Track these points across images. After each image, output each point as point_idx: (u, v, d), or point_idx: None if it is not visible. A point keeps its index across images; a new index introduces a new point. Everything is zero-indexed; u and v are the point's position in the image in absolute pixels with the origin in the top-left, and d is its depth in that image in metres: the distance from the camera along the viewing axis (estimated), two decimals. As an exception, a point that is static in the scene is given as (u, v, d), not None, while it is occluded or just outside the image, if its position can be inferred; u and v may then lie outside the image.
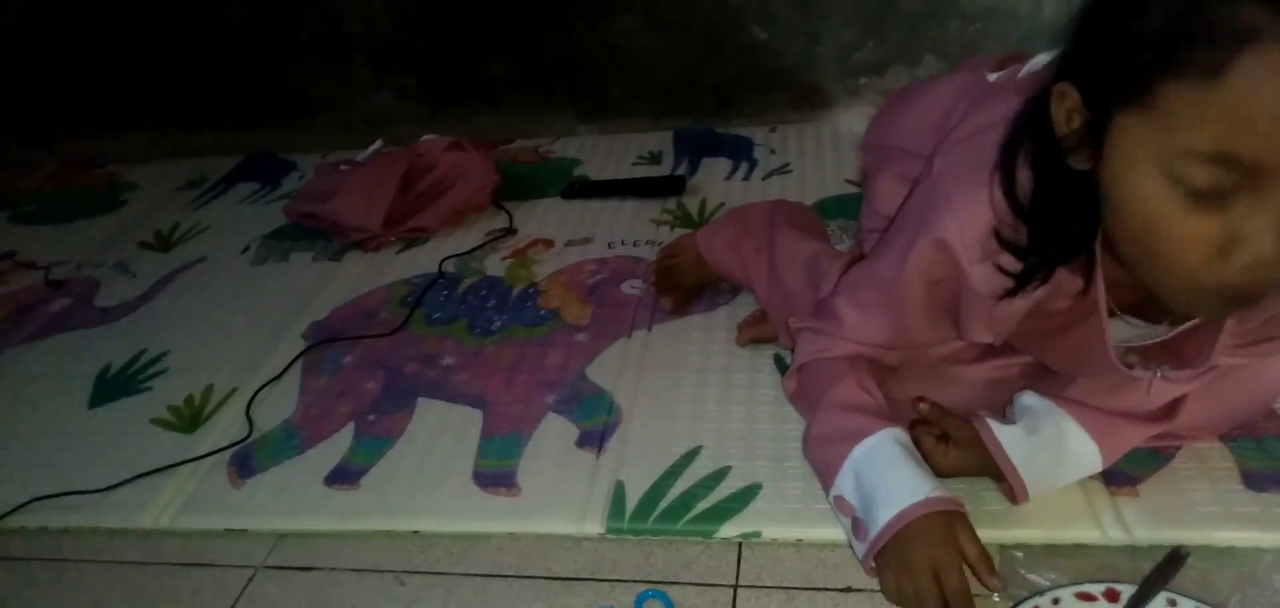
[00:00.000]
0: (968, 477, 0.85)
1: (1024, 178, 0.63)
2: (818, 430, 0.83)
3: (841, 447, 0.78)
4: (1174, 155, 0.50)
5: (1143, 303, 0.69)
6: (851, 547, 0.78)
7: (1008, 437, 0.81)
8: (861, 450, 0.77)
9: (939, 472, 0.83)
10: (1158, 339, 0.72)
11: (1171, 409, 0.80)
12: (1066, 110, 0.57)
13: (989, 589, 0.72)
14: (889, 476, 0.74)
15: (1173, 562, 0.76)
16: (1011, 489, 0.81)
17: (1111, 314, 0.68)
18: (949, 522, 0.72)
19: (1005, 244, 0.65)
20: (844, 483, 0.77)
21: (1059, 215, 0.62)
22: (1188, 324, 0.70)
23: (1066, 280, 0.66)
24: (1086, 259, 0.64)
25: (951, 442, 0.84)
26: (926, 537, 0.71)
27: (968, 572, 0.71)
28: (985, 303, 0.69)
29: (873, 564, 0.75)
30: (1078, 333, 0.71)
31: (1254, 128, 0.47)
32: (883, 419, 0.78)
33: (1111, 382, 0.77)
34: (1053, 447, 0.80)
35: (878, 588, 0.76)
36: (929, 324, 0.79)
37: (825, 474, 0.81)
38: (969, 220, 0.66)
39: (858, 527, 0.75)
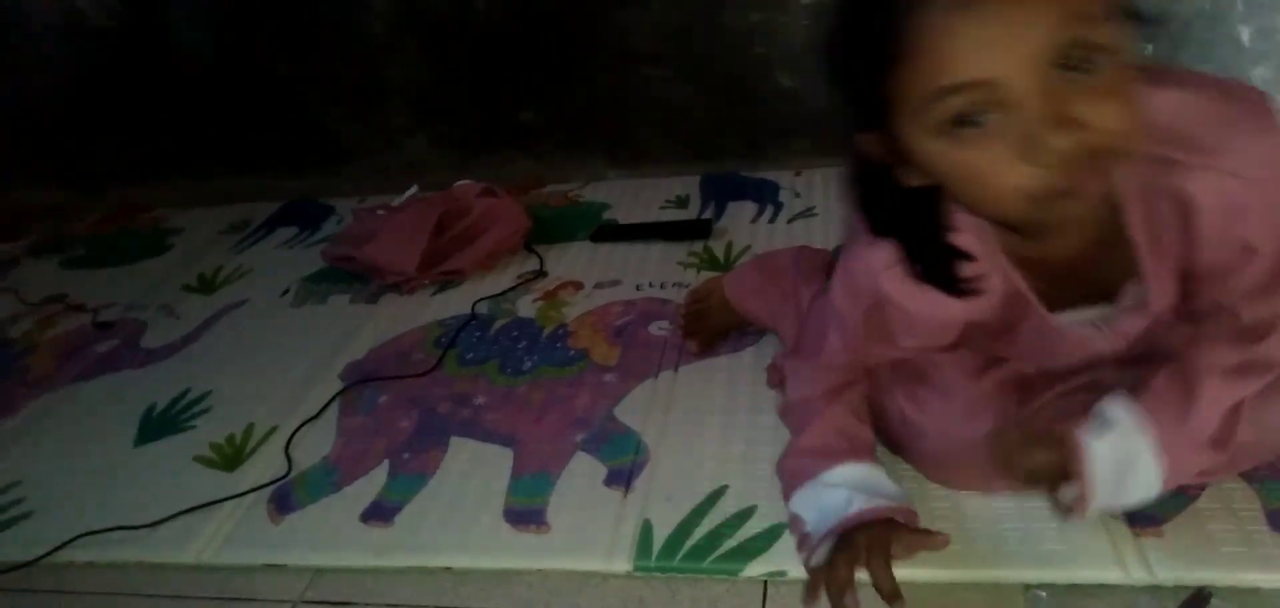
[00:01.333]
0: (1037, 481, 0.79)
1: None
2: (790, 462, 0.91)
3: (801, 479, 0.88)
4: (927, 115, 0.59)
5: (1069, 289, 0.76)
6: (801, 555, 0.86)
7: (1098, 454, 0.75)
8: (814, 484, 0.86)
9: (1015, 476, 0.80)
10: (1104, 320, 0.78)
11: (1230, 430, 0.76)
12: (876, 149, 0.66)
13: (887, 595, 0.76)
14: (826, 499, 0.84)
15: (1197, 603, 0.76)
16: (1080, 500, 0.75)
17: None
18: (876, 526, 0.80)
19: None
20: (798, 503, 0.87)
21: (908, 225, 0.72)
22: (1121, 305, 0.75)
23: (988, 285, 0.75)
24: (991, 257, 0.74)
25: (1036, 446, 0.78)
26: (855, 536, 0.79)
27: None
28: (904, 311, 0.79)
29: (809, 562, 0.83)
30: (1027, 328, 0.79)
31: (941, 57, 0.57)
32: (836, 460, 0.86)
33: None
34: (1122, 468, 0.75)
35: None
36: (876, 342, 0.87)
37: (786, 490, 0.90)
38: (879, 246, 0.76)
39: (804, 539, 0.84)
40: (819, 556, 0.81)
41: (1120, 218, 0.70)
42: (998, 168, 0.59)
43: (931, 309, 0.78)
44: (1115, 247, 0.72)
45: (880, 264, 0.76)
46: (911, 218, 0.71)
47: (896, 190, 0.68)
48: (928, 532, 0.79)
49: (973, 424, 0.87)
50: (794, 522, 0.87)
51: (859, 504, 0.81)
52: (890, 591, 0.75)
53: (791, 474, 0.90)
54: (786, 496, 0.90)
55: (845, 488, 0.84)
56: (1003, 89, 0.56)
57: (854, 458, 0.87)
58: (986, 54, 0.56)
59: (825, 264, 1.13)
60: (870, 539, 0.78)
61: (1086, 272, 0.75)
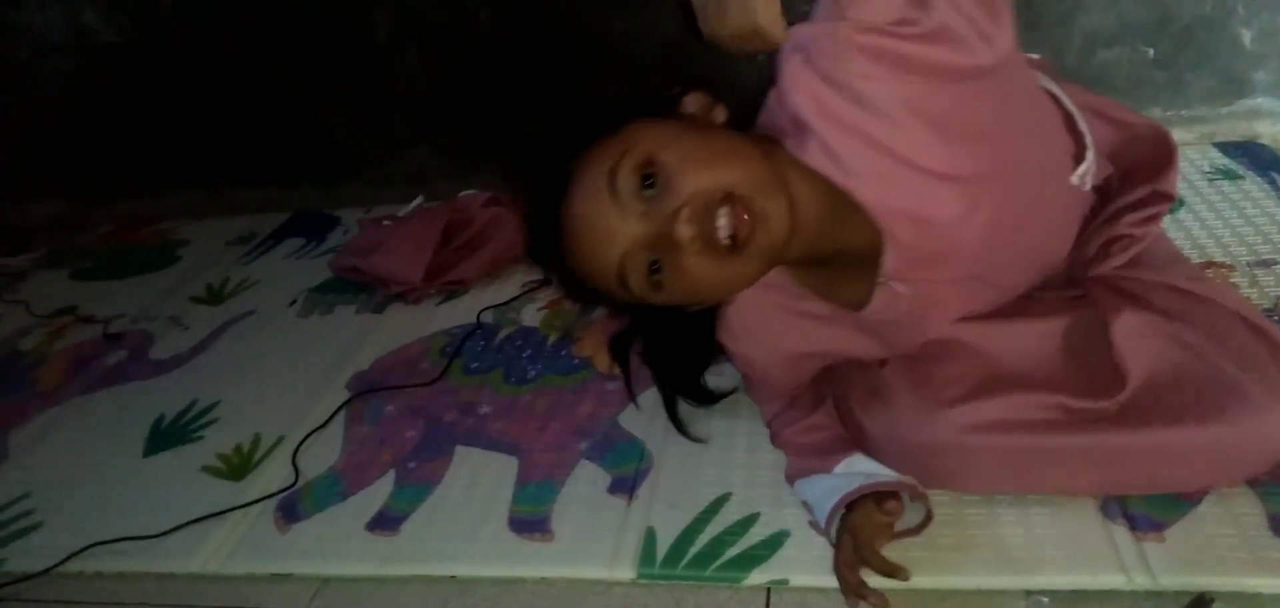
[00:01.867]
0: None
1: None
2: (792, 469, 0.98)
3: (806, 474, 0.95)
4: (633, 291, 0.73)
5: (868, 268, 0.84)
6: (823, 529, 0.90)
7: None
8: (816, 479, 0.94)
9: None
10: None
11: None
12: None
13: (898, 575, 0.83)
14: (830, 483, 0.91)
15: (1198, 608, 0.77)
16: None
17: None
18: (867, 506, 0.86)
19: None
20: (802, 490, 0.95)
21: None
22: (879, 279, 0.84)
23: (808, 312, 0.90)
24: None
25: None
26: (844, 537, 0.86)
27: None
28: (745, 359, 0.96)
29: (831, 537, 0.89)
30: (866, 330, 0.89)
31: (595, 265, 0.73)
32: (839, 454, 0.93)
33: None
34: None
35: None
36: (773, 381, 1.00)
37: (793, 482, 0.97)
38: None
39: (813, 522, 0.92)
40: (833, 532, 0.87)
41: (829, 189, 0.76)
42: (697, 273, 0.72)
43: (764, 346, 0.93)
44: (846, 209, 0.77)
45: (729, 336, 0.92)
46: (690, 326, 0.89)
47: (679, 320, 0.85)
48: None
49: (917, 429, 0.88)
50: (805, 506, 0.93)
51: (858, 483, 0.86)
52: (886, 572, 0.82)
53: (798, 475, 0.95)
54: (794, 479, 0.96)
55: (845, 475, 0.89)
56: (635, 246, 0.71)
57: (855, 449, 0.92)
58: (607, 245, 0.71)
59: None
60: (855, 527, 0.84)
61: (855, 243, 0.81)
